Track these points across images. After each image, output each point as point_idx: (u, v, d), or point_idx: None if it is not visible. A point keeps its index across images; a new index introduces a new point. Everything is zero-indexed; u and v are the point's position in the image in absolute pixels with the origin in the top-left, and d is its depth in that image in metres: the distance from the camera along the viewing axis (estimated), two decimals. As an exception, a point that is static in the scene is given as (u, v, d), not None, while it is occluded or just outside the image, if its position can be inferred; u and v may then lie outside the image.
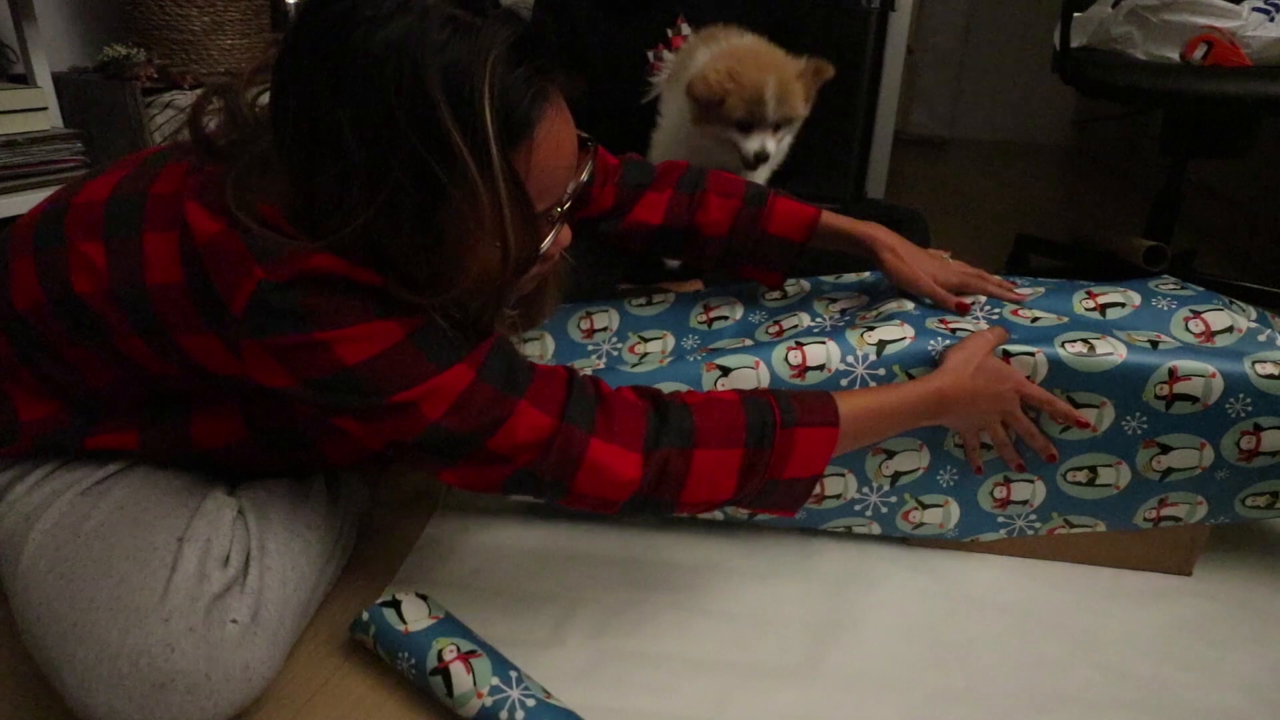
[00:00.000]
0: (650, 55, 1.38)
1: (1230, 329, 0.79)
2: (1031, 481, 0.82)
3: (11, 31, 1.45)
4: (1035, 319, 0.82)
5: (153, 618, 0.58)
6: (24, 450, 0.69)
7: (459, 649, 0.66)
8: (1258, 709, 0.70)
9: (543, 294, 0.74)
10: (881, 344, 0.79)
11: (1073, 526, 0.83)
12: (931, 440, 0.81)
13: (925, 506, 0.84)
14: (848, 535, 0.89)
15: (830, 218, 0.90)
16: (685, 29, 1.35)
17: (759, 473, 0.65)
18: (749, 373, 0.79)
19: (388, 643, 0.68)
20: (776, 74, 1.07)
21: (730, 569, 0.84)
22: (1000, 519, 0.84)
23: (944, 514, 0.84)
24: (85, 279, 0.62)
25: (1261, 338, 0.78)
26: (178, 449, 0.71)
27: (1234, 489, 0.79)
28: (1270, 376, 0.75)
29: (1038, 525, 0.84)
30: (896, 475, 0.82)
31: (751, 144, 1.10)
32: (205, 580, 0.61)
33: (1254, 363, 0.75)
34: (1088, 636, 0.77)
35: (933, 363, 0.77)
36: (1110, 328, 0.80)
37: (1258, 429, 0.76)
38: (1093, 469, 0.80)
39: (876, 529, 0.86)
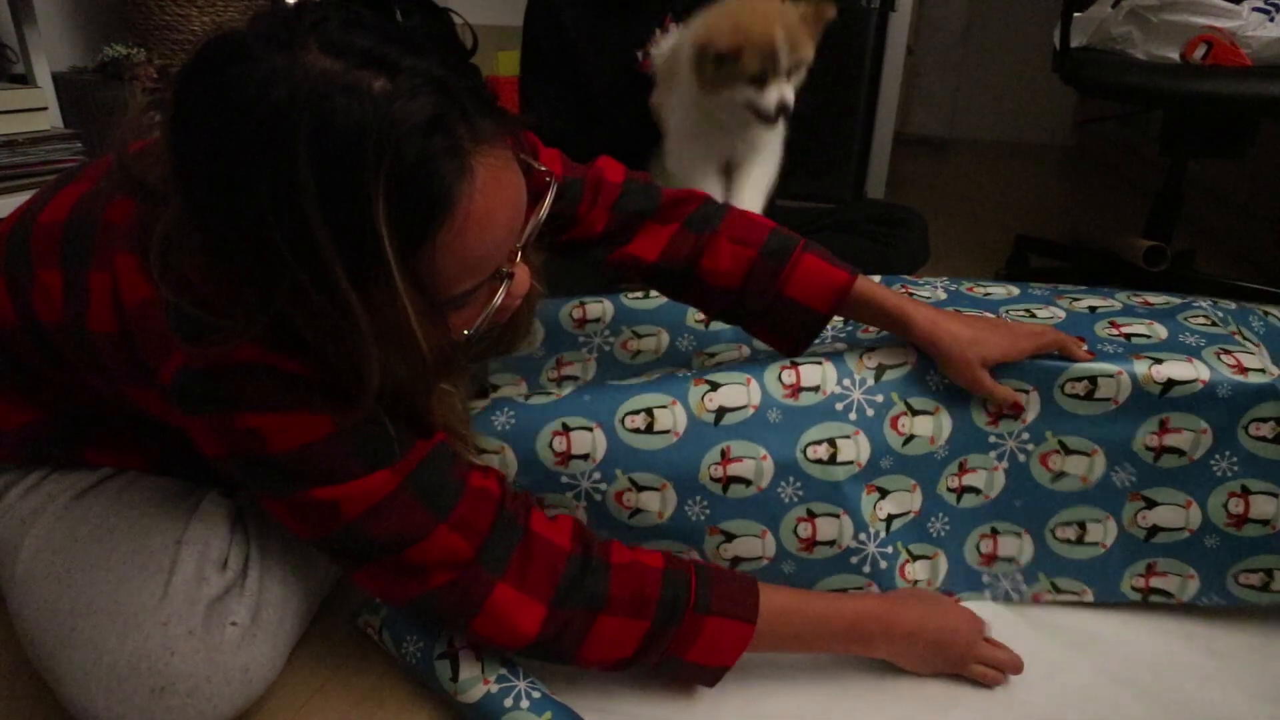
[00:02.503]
0: (639, 54, 1.38)
1: (1263, 369, 0.73)
2: (1019, 535, 0.78)
3: (11, 31, 1.45)
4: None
5: (151, 621, 0.58)
6: (11, 457, 0.69)
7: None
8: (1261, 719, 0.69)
9: (516, 322, 0.69)
10: (881, 368, 0.76)
11: (1059, 592, 0.79)
12: (924, 481, 0.77)
13: (915, 558, 0.78)
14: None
15: (868, 288, 0.76)
16: (674, 30, 1.36)
17: (660, 648, 0.63)
18: (739, 390, 0.75)
19: (395, 627, 0.68)
20: (782, 20, 1.05)
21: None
22: (985, 577, 0.80)
23: (932, 568, 0.79)
24: (46, 308, 0.59)
25: None
26: (173, 461, 0.70)
27: (1225, 562, 0.76)
28: (1262, 439, 0.72)
29: (1023, 588, 0.80)
30: (890, 519, 0.77)
31: (770, 96, 1.07)
32: (204, 583, 0.61)
33: (1250, 421, 0.72)
34: (1089, 641, 0.77)
35: (930, 392, 0.75)
36: (1130, 352, 0.75)
37: (1245, 491, 0.73)
38: (1082, 524, 0.77)
39: (875, 589, 0.77)
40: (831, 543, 0.76)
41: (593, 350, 0.99)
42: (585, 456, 0.75)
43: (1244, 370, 0.73)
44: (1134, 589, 0.78)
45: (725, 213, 0.80)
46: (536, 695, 0.63)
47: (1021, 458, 0.76)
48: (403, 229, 0.45)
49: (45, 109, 1.41)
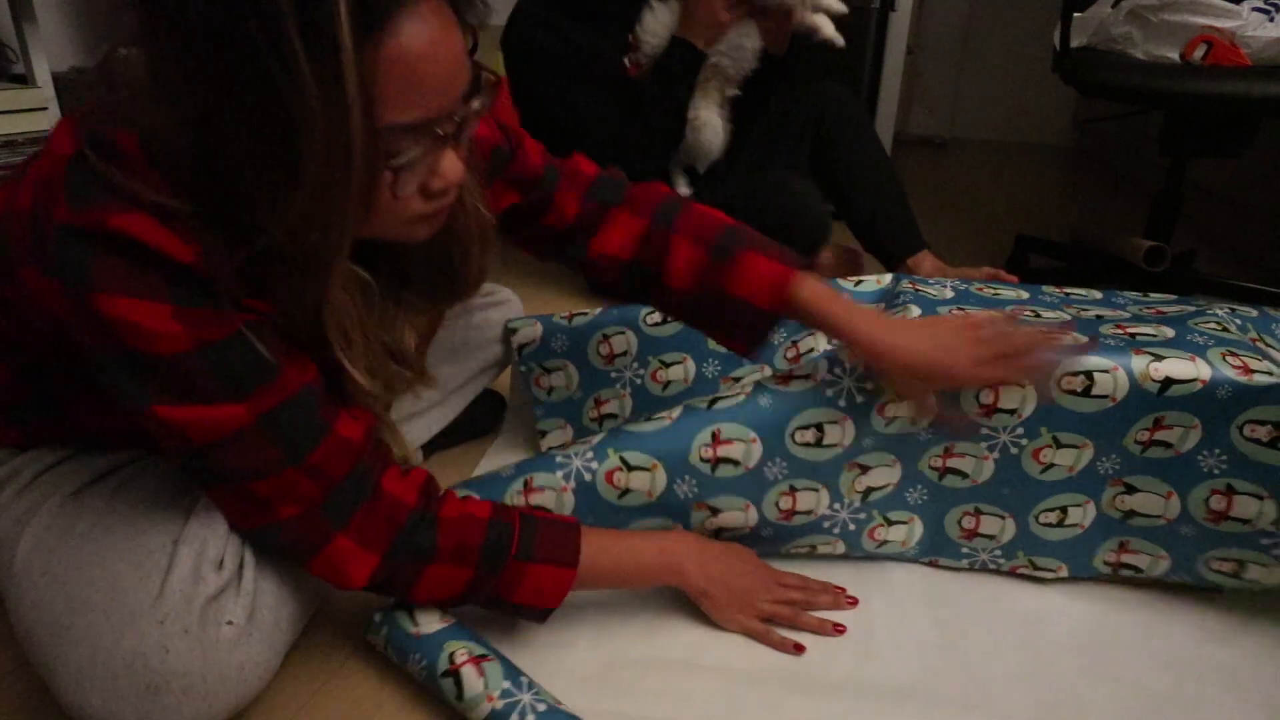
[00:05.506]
0: (626, 60, 1.40)
1: (1270, 371, 0.72)
2: (1003, 518, 0.79)
3: (11, 31, 1.45)
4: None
5: (147, 619, 0.58)
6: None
7: (470, 652, 0.66)
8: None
9: (468, 260, 0.69)
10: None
11: (1036, 568, 0.81)
12: (905, 457, 0.78)
13: (890, 523, 0.81)
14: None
15: (811, 290, 0.73)
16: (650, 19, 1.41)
17: (484, 591, 0.67)
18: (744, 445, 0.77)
19: (399, 644, 0.68)
20: None
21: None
22: (964, 549, 0.82)
23: (907, 531, 0.82)
24: None
25: None
26: (65, 437, 0.69)
27: (1198, 549, 0.76)
28: (1256, 440, 0.71)
29: (1001, 561, 0.82)
30: (869, 490, 0.79)
31: None
32: (200, 582, 0.61)
33: (1246, 421, 0.71)
34: (1104, 646, 0.76)
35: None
36: (1131, 347, 0.74)
37: (1230, 490, 0.72)
38: (1064, 509, 0.78)
39: (841, 547, 0.83)
40: (809, 512, 0.80)
41: (625, 385, 1.02)
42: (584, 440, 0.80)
43: (1249, 372, 0.71)
44: (1105, 563, 0.80)
45: (683, 209, 0.79)
46: (542, 708, 0.63)
47: (1014, 450, 0.76)
48: (360, 12, 0.45)
49: (45, 109, 1.41)
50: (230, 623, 0.61)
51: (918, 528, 0.82)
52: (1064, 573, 0.80)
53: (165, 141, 0.51)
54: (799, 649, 0.74)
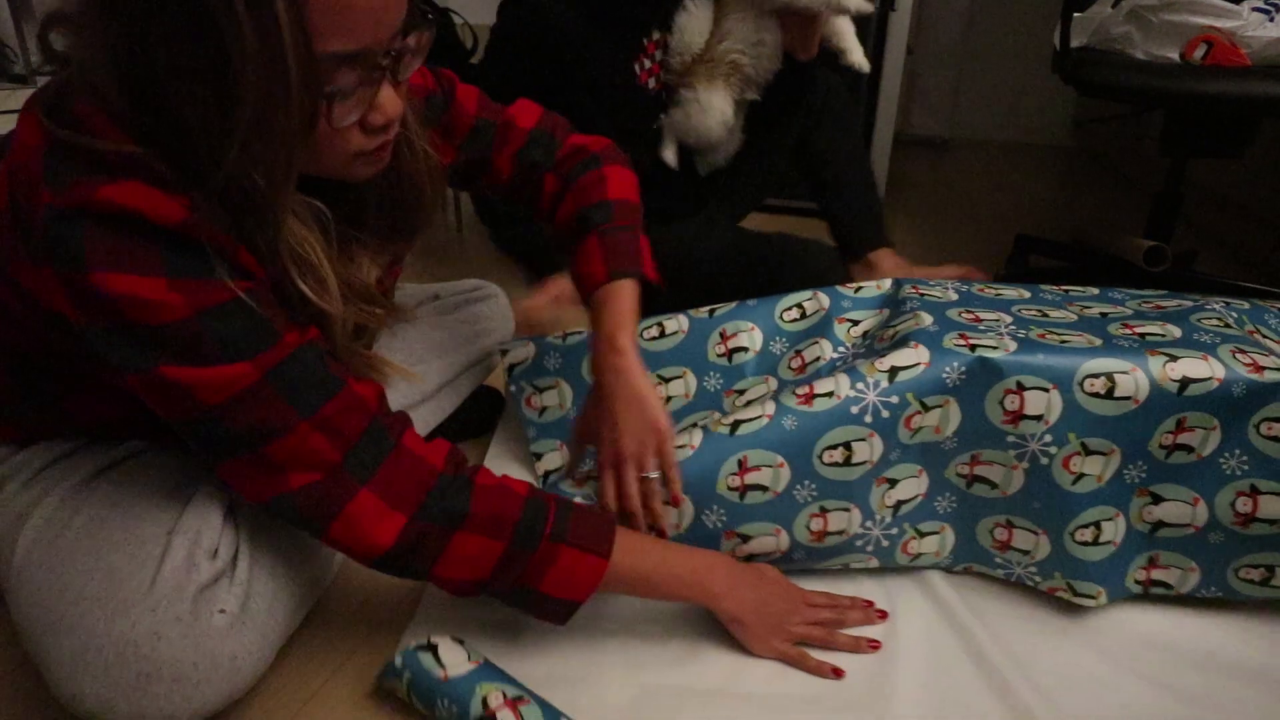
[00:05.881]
0: (637, 67, 1.36)
1: (1278, 368, 0.73)
2: (1036, 534, 0.77)
3: (11, 31, 1.45)
4: (1064, 341, 0.77)
5: (139, 607, 0.58)
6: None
7: (505, 695, 0.63)
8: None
9: (420, 199, 0.70)
10: (894, 370, 0.75)
11: (1075, 594, 0.77)
12: (930, 466, 0.78)
13: (923, 535, 0.80)
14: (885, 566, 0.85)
15: (602, 305, 0.79)
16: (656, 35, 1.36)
17: (516, 572, 0.65)
18: (753, 407, 0.78)
19: (425, 690, 0.65)
20: None
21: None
22: (998, 559, 0.80)
23: (939, 541, 0.81)
24: None
25: None
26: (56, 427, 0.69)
27: (1228, 557, 0.76)
28: (1274, 439, 0.71)
29: (1038, 579, 0.79)
30: (898, 505, 0.78)
31: None
32: (194, 570, 0.61)
33: (1262, 420, 0.72)
34: (1130, 648, 0.76)
35: (943, 388, 0.74)
36: (1145, 348, 0.75)
37: (1254, 491, 0.73)
38: (1098, 525, 0.75)
39: (875, 563, 0.82)
40: (840, 532, 0.78)
41: None
42: None
43: (1260, 369, 0.72)
44: (1136, 582, 0.78)
45: (587, 165, 0.84)
46: None
47: (1044, 460, 0.74)
48: None
49: (45, 104, 1.41)
50: (223, 611, 0.61)
51: (950, 537, 0.81)
52: (1103, 599, 0.77)
53: (99, 82, 0.50)
54: (837, 673, 0.72)
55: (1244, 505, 0.73)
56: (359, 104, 0.55)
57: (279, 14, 0.45)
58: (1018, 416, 0.74)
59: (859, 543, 0.79)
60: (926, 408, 0.75)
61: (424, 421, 0.97)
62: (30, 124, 0.53)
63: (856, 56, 1.38)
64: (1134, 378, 0.72)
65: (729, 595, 0.72)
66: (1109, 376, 0.72)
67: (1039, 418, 0.73)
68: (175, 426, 0.58)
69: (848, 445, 0.75)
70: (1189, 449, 0.73)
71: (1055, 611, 0.80)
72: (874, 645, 0.75)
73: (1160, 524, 0.76)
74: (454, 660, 0.65)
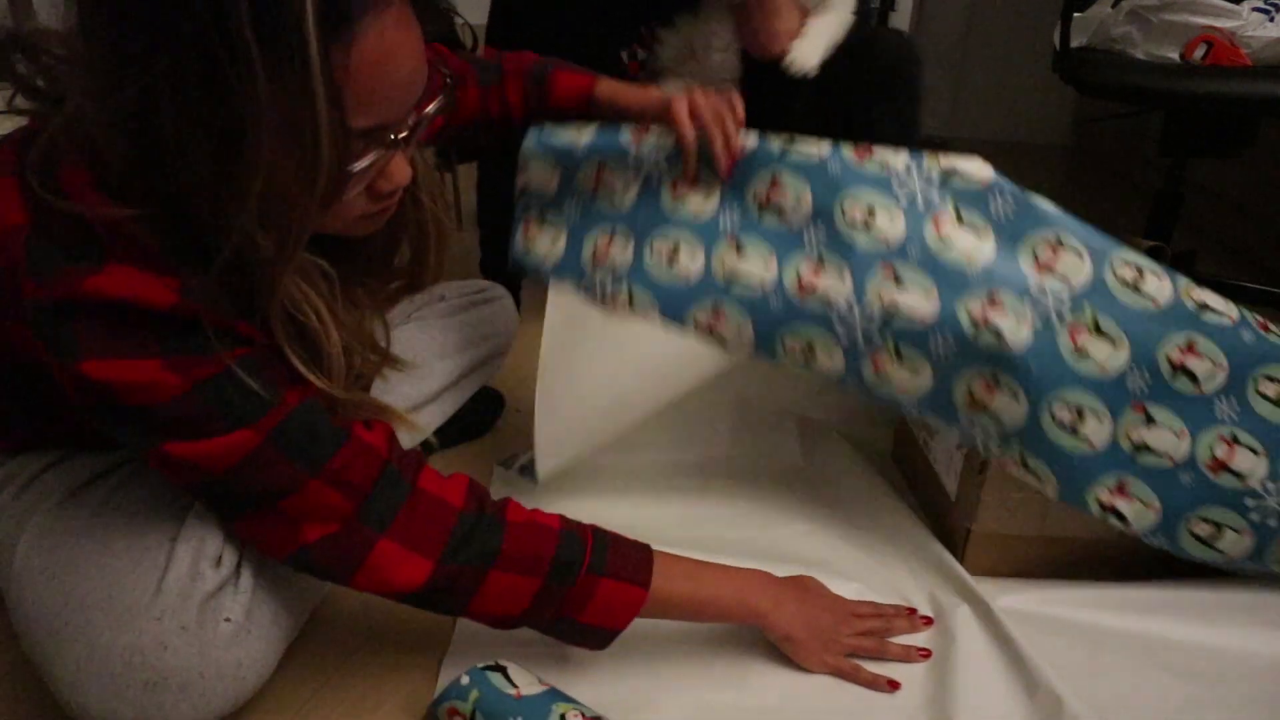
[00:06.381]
0: (624, 55, 1.33)
1: None
2: (1015, 396, 0.74)
3: (10, 30, 1.45)
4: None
5: (145, 616, 0.58)
6: None
7: (583, 714, 0.62)
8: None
9: (424, 254, 0.70)
10: (950, 173, 0.77)
11: (1025, 467, 0.76)
12: (945, 291, 0.74)
13: (901, 359, 0.76)
14: (888, 561, 0.84)
15: (610, 89, 0.87)
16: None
17: (554, 606, 0.64)
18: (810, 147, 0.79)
19: (494, 708, 0.63)
20: None
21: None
22: (963, 420, 0.78)
23: (912, 378, 0.77)
24: None
25: None
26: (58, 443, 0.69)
27: (1191, 503, 0.76)
28: (1265, 397, 0.73)
29: (993, 449, 0.78)
30: (894, 310, 0.74)
31: None
32: (198, 579, 0.61)
33: (1263, 376, 0.73)
34: (1152, 650, 0.76)
35: (988, 216, 0.75)
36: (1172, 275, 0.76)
37: (1234, 441, 0.74)
38: (1081, 411, 0.74)
39: (839, 361, 0.78)
40: (825, 295, 0.76)
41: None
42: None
43: (1268, 329, 0.74)
44: (1097, 501, 0.77)
45: (505, 58, 0.90)
46: None
47: (1054, 320, 0.73)
48: (325, 12, 0.44)
49: (44, 107, 1.40)
50: (228, 620, 0.61)
51: (925, 382, 0.77)
52: (1050, 490, 0.76)
53: (100, 137, 0.49)
54: (893, 685, 0.71)
55: (1222, 451, 0.74)
56: (372, 174, 0.54)
57: (315, 90, 0.45)
58: (1048, 269, 0.73)
59: (834, 320, 0.76)
60: (962, 221, 0.74)
61: (426, 423, 0.97)
62: (9, 195, 0.51)
63: (800, 65, 1.18)
64: (1160, 283, 0.74)
65: (776, 612, 0.72)
66: (1139, 269, 0.74)
67: (1065, 279, 0.73)
68: (187, 490, 0.58)
69: (872, 209, 0.75)
70: (1194, 377, 0.73)
71: (1079, 607, 0.80)
72: (924, 653, 0.74)
73: (1145, 447, 0.75)
74: (525, 681, 0.65)
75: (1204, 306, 0.74)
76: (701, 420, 1.08)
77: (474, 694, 0.64)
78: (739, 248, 0.79)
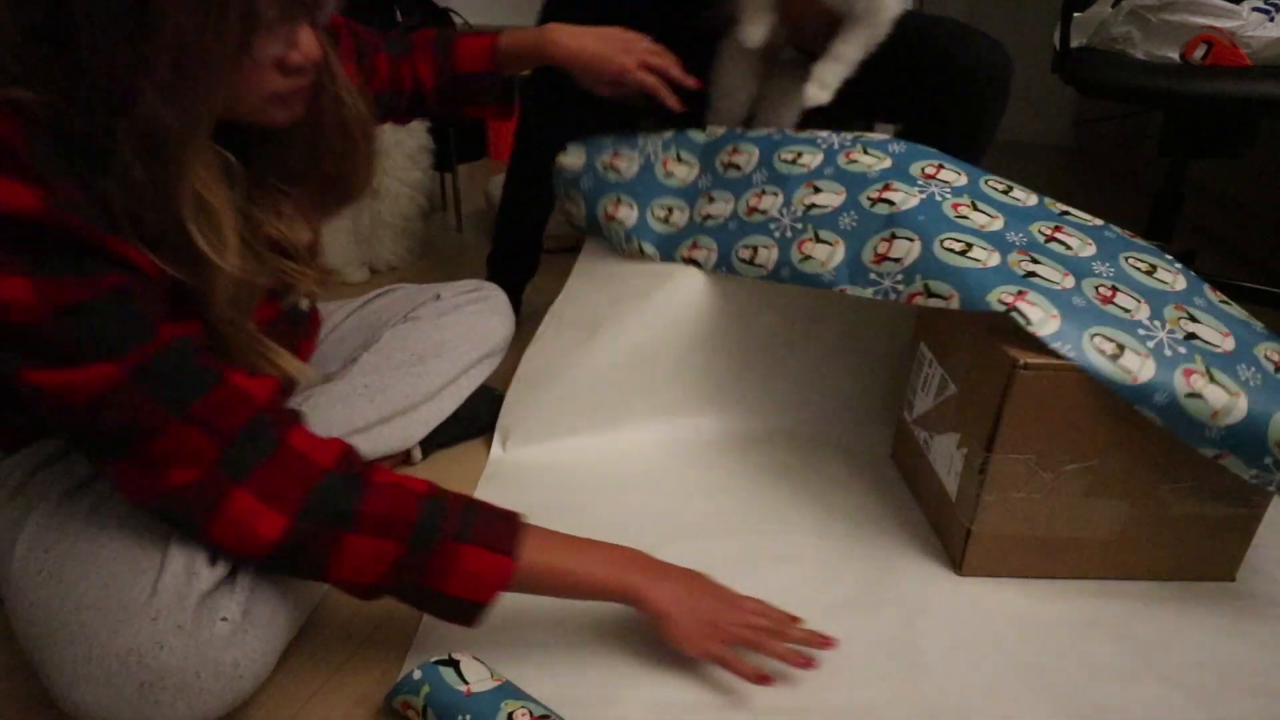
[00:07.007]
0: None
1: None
2: (911, 240, 0.87)
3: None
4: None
5: (141, 616, 0.58)
6: None
7: (531, 713, 0.61)
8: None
9: (352, 154, 0.68)
10: (859, 135, 1.01)
11: (930, 293, 0.82)
12: (851, 188, 0.95)
13: (819, 240, 0.94)
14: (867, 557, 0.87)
15: (509, 39, 0.97)
16: None
17: (415, 574, 0.62)
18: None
19: (445, 705, 0.62)
20: None
21: (787, 604, 0.74)
22: (873, 275, 0.89)
23: (829, 252, 0.93)
24: None
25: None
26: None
27: (1086, 321, 0.76)
28: (1136, 268, 0.85)
29: (901, 288, 0.86)
30: (812, 206, 0.96)
31: None
32: (194, 578, 0.60)
33: (1132, 255, 0.87)
34: (1146, 648, 0.76)
35: (886, 151, 0.98)
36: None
37: (1115, 289, 0.82)
38: (969, 244, 0.85)
39: (775, 255, 0.97)
40: (765, 212, 1.01)
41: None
42: None
43: (1132, 235, 0.92)
44: (1000, 301, 0.78)
45: (426, 37, 0.96)
46: None
47: (937, 198, 0.90)
48: None
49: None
50: (225, 619, 0.60)
51: (840, 252, 0.92)
52: (955, 303, 0.80)
53: None
54: (765, 680, 0.68)
55: (1105, 291, 0.81)
56: (280, 39, 0.53)
57: None
58: (931, 177, 0.94)
59: (772, 225, 0.99)
60: (866, 152, 0.98)
61: (425, 421, 0.97)
62: None
63: (811, 90, 1.08)
64: (1027, 195, 0.94)
65: (652, 588, 0.68)
66: (1009, 186, 0.95)
67: (946, 183, 0.92)
68: (54, 426, 0.55)
69: (800, 153, 1.02)
70: (1067, 246, 0.86)
71: (1067, 609, 0.81)
72: (808, 662, 0.69)
73: (1034, 275, 0.81)
74: (477, 676, 0.64)
75: (1066, 213, 0.92)
76: (696, 420, 1.11)
77: (425, 689, 0.63)
78: (710, 200, 1.08)
